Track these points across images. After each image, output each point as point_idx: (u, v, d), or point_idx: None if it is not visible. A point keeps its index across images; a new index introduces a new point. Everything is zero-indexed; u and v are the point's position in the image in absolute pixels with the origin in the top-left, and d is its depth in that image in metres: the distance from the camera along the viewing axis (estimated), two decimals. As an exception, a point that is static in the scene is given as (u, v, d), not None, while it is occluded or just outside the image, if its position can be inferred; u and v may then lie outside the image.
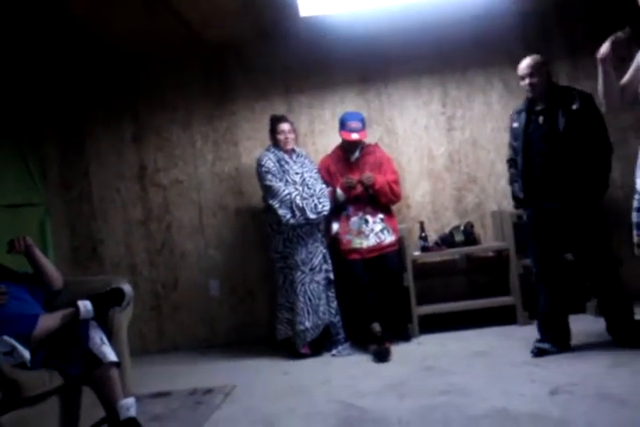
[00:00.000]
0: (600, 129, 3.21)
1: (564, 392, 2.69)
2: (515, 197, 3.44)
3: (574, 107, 3.16)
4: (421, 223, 4.17)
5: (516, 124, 3.35)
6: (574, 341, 3.34)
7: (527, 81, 3.23)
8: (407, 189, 4.44)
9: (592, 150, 3.17)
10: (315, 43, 4.39)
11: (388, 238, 3.86)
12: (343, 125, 3.92)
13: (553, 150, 3.19)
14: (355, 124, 3.89)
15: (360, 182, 3.83)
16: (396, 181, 3.97)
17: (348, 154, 4.00)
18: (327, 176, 3.95)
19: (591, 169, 3.18)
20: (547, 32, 4.48)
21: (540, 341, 3.32)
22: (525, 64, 3.25)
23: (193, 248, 4.53)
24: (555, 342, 3.27)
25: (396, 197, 3.97)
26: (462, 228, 4.15)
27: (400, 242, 3.97)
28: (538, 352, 3.26)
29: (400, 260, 3.95)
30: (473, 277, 4.41)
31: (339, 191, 3.85)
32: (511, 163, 3.44)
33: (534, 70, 3.21)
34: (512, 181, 3.43)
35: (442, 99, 4.52)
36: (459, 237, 4.10)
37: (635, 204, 2.62)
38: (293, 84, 4.51)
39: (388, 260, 3.84)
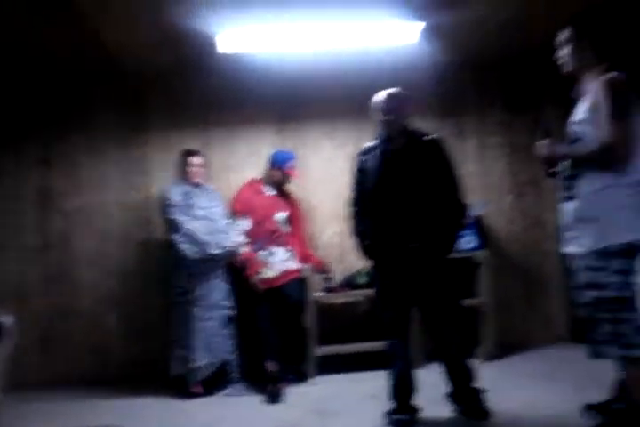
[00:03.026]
0: (452, 181, 3.02)
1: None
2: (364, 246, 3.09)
3: (428, 153, 3.01)
4: (327, 265, 4.22)
5: (367, 164, 3.04)
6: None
7: (389, 116, 2.97)
8: (316, 229, 4.52)
9: (443, 202, 2.98)
10: (235, 79, 4.44)
11: (294, 265, 3.92)
12: (285, 162, 3.98)
13: (407, 196, 2.95)
14: (294, 163, 4.03)
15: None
16: (303, 228, 4.20)
17: (268, 189, 4.03)
18: (247, 207, 3.90)
19: (441, 224, 2.97)
20: (460, 85, 4.72)
21: (395, 412, 3.04)
22: (390, 96, 3.00)
23: (92, 278, 4.38)
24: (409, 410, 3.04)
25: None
26: (366, 271, 4.21)
27: (304, 280, 4.00)
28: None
29: (302, 290, 3.97)
30: (374, 319, 4.45)
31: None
32: (356, 206, 3.12)
33: (400, 105, 3.00)
34: (360, 228, 3.09)
35: (356, 143, 4.61)
36: (362, 280, 4.16)
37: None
38: (211, 118, 4.53)
39: (290, 289, 3.85)
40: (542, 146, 2.58)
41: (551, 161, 2.59)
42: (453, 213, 3.02)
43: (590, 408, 2.78)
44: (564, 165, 2.61)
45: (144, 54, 4.00)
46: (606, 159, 2.37)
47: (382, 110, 3.00)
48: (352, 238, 3.19)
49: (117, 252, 4.41)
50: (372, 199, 3.02)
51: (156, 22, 3.50)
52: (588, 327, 2.52)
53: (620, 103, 2.34)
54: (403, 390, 3.04)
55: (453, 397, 3.06)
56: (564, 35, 2.60)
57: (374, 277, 3.17)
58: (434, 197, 2.96)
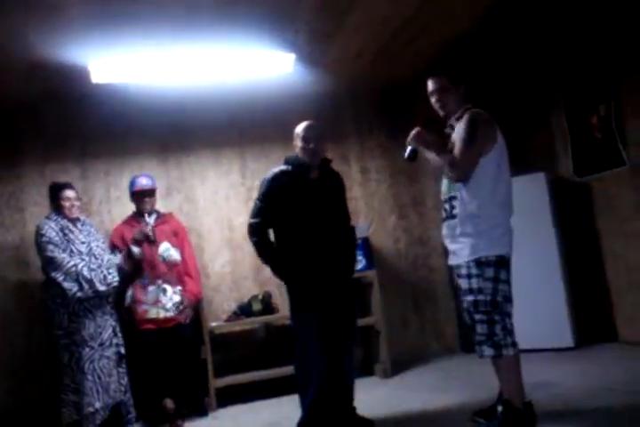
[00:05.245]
0: (347, 210, 3.27)
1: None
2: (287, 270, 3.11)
3: (337, 184, 3.24)
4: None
5: (282, 189, 3.06)
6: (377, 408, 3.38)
7: (311, 146, 3.08)
8: (207, 258, 4.45)
9: (348, 227, 3.23)
10: (113, 109, 4.33)
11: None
12: (132, 186, 3.85)
13: (326, 221, 3.09)
14: (145, 180, 3.84)
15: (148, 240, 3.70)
16: (192, 256, 3.94)
17: (143, 221, 3.88)
18: (121, 243, 3.76)
19: (349, 245, 3.21)
20: (339, 114, 4.90)
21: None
22: (312, 126, 3.13)
23: (-36, 326, 4.02)
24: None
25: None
26: (260, 297, 4.20)
27: (197, 314, 3.90)
28: None
29: (195, 329, 3.86)
30: (273, 345, 4.44)
31: (134, 248, 3.65)
32: (263, 229, 3.13)
33: (321, 136, 3.14)
34: (268, 251, 3.12)
35: (241, 170, 4.66)
36: (256, 307, 4.14)
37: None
38: (89, 149, 4.37)
39: (183, 328, 3.72)
40: (422, 129, 2.82)
41: (421, 143, 2.81)
42: (352, 237, 3.26)
43: (477, 415, 2.93)
44: (444, 189, 2.92)
45: (9, 83, 3.81)
46: (450, 171, 2.75)
47: (303, 139, 3.10)
48: (259, 256, 3.16)
49: (-8, 296, 4.09)
50: (294, 223, 3.06)
51: (21, 50, 3.36)
52: (471, 330, 2.82)
53: (471, 134, 2.72)
54: (321, 406, 3.01)
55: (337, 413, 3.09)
56: (437, 84, 2.89)
57: (294, 299, 3.11)
58: (340, 222, 3.17)
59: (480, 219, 2.73)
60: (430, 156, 2.82)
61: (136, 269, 3.69)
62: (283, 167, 3.14)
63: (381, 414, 3.27)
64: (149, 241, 3.70)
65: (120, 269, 3.63)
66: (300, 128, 3.15)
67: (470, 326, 2.79)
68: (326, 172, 3.23)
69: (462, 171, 2.72)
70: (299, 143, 3.13)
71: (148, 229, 3.70)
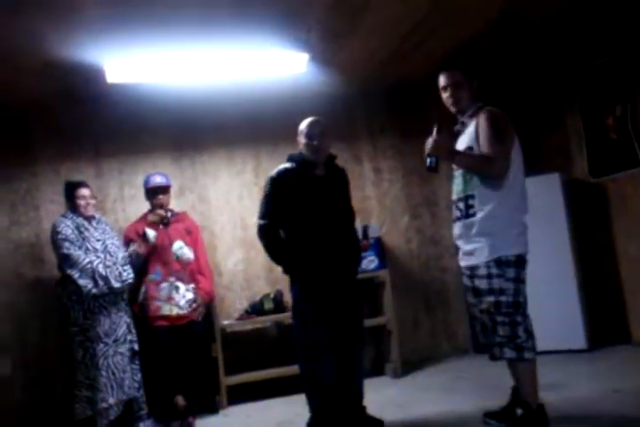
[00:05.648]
0: (352, 209, 3.24)
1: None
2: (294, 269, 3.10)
3: (343, 181, 3.20)
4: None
5: (288, 188, 3.03)
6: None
7: (315, 142, 3.04)
8: (219, 256, 4.48)
9: (352, 226, 3.21)
10: (127, 109, 4.36)
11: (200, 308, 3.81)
12: (147, 183, 3.91)
13: (331, 220, 3.06)
14: (159, 178, 3.90)
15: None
16: (204, 254, 4.00)
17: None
18: (136, 237, 3.78)
19: (353, 242, 3.19)
20: (351, 114, 4.89)
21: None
22: (315, 123, 3.09)
23: (-20, 323, 4.07)
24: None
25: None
26: (272, 296, 4.22)
27: (209, 312, 3.93)
28: None
29: (207, 327, 3.89)
30: (284, 344, 4.44)
31: (149, 231, 3.70)
32: (272, 230, 3.10)
33: (325, 132, 3.08)
34: (279, 252, 3.12)
35: (255, 169, 4.68)
36: (268, 305, 4.15)
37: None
38: (104, 148, 4.41)
39: (195, 326, 3.76)
40: (439, 138, 2.68)
41: (441, 152, 2.68)
42: (356, 237, 3.24)
43: (489, 416, 2.92)
44: (458, 188, 2.86)
45: (25, 82, 3.84)
46: (489, 169, 2.67)
47: (307, 136, 3.06)
48: (270, 257, 3.20)
49: (7, 292, 4.12)
50: (300, 221, 3.02)
51: (37, 49, 3.39)
52: (486, 332, 2.77)
53: (498, 130, 2.68)
54: (330, 406, 3.01)
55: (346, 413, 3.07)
56: (451, 78, 2.83)
57: (298, 299, 3.08)
58: (345, 220, 3.14)
59: (497, 218, 2.69)
60: (460, 160, 2.76)
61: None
62: (287, 165, 3.11)
63: (391, 414, 3.26)
64: (164, 223, 3.78)
65: (133, 255, 3.69)
66: (303, 125, 3.11)
67: (491, 327, 2.71)
68: (332, 168, 3.18)
69: (501, 165, 2.66)
70: (302, 140, 3.09)
71: (163, 212, 3.79)
